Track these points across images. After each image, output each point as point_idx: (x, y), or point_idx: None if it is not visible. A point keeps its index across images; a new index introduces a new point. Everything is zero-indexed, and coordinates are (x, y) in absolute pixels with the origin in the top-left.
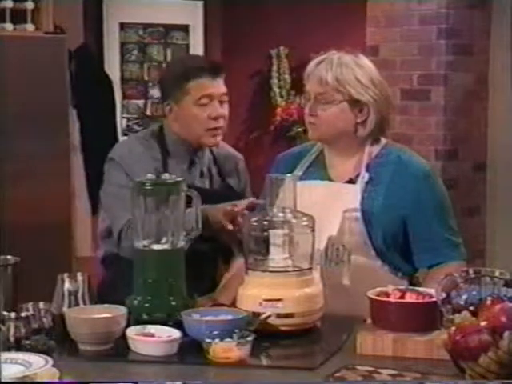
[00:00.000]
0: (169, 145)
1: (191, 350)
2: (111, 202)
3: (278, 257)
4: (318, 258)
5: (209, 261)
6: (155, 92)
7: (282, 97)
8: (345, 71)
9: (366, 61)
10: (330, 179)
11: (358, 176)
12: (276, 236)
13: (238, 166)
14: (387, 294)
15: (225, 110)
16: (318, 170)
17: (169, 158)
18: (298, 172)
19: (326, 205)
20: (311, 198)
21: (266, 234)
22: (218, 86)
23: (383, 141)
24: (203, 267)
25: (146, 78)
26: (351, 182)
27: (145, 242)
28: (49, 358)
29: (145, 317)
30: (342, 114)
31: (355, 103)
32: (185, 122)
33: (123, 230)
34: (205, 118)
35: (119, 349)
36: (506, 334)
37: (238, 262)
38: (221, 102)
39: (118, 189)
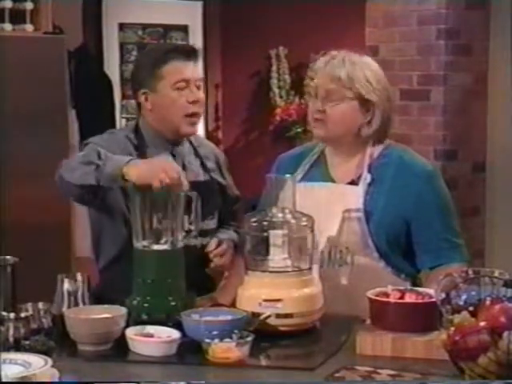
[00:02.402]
0: (146, 140)
1: (190, 351)
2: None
3: (277, 257)
4: (318, 258)
5: (208, 260)
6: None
7: (281, 97)
8: (357, 69)
9: (371, 61)
10: (332, 180)
11: (360, 177)
12: (275, 236)
13: (219, 159)
14: (386, 295)
15: (201, 95)
16: (320, 170)
17: (147, 153)
18: (300, 173)
19: (328, 206)
20: (314, 199)
21: (265, 234)
22: (194, 70)
23: (385, 141)
24: (203, 267)
25: None
26: (353, 182)
27: (144, 243)
28: (48, 359)
29: (144, 317)
30: (351, 113)
31: (364, 102)
32: (162, 108)
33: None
34: (183, 102)
35: (118, 349)
36: (505, 334)
37: (238, 262)
38: (197, 87)
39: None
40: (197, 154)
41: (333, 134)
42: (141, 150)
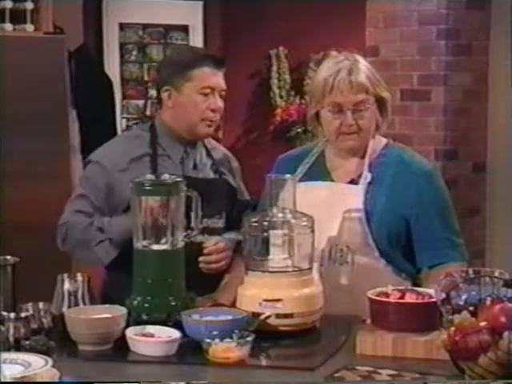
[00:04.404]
0: (160, 137)
1: (191, 351)
2: (76, 194)
3: (277, 257)
4: (319, 258)
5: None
6: (155, 92)
7: (281, 97)
8: (370, 73)
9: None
10: (332, 180)
11: (360, 176)
12: (276, 236)
13: (231, 164)
14: (387, 295)
15: (222, 104)
16: (320, 170)
17: (160, 150)
18: (300, 173)
19: (329, 206)
20: (314, 199)
21: (265, 234)
22: (220, 79)
23: (384, 141)
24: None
25: (145, 78)
26: (353, 182)
27: (144, 243)
28: (48, 359)
29: (144, 317)
30: (374, 116)
31: (380, 101)
32: (182, 109)
33: (60, 225)
34: (204, 108)
35: (119, 349)
36: (506, 334)
37: (238, 262)
38: (220, 96)
39: (88, 189)
40: (209, 156)
41: (365, 141)
42: (153, 150)
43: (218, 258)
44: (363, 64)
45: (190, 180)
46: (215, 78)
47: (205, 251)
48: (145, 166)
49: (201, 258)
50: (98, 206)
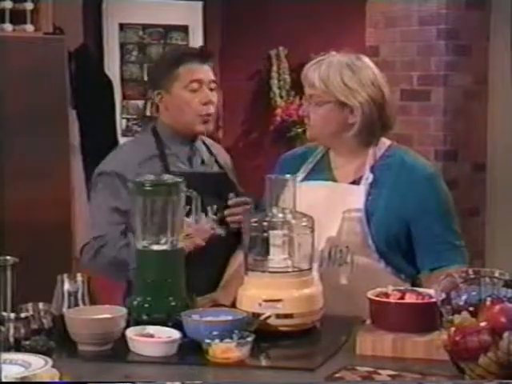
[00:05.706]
0: (164, 139)
1: (191, 351)
2: (95, 212)
3: (277, 257)
4: (318, 258)
5: (213, 260)
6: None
7: (281, 97)
8: (332, 74)
9: (363, 63)
10: (334, 180)
11: (361, 177)
12: (276, 237)
13: (227, 159)
14: (387, 295)
15: (214, 97)
16: (323, 170)
17: (167, 152)
18: (303, 173)
19: (329, 206)
20: (315, 198)
21: (265, 234)
22: (207, 72)
23: (387, 142)
24: (208, 266)
25: (145, 78)
26: (355, 183)
27: (144, 243)
28: (48, 359)
29: (144, 317)
30: (329, 116)
31: (343, 105)
32: (176, 108)
33: (88, 243)
34: (196, 103)
35: (119, 349)
36: (506, 334)
37: (238, 261)
38: (210, 89)
39: (105, 206)
40: (210, 152)
41: (319, 136)
42: (160, 151)
43: (242, 210)
44: (338, 65)
45: (203, 176)
46: (201, 71)
47: (230, 202)
48: (156, 168)
49: (227, 212)
50: (126, 210)
